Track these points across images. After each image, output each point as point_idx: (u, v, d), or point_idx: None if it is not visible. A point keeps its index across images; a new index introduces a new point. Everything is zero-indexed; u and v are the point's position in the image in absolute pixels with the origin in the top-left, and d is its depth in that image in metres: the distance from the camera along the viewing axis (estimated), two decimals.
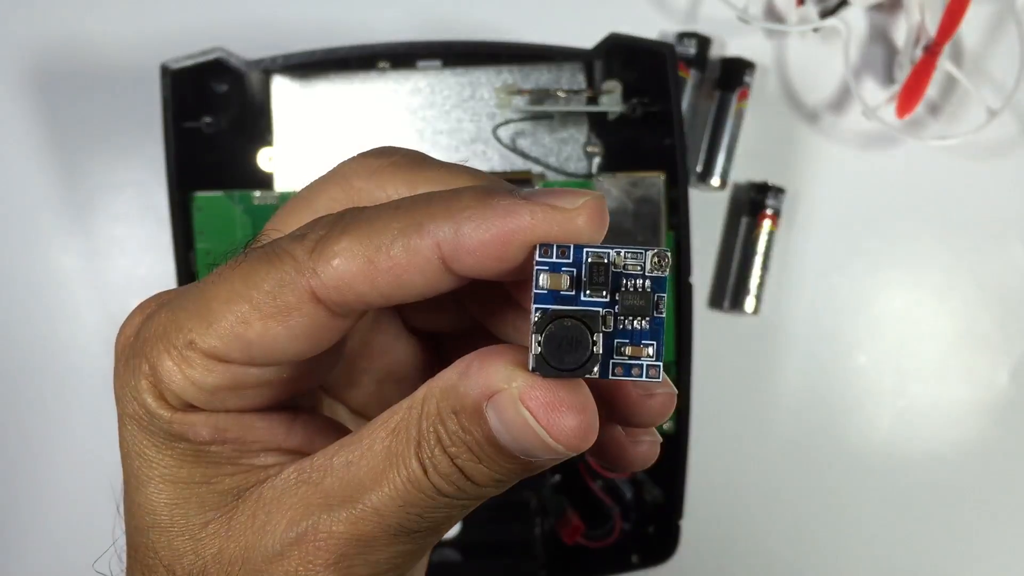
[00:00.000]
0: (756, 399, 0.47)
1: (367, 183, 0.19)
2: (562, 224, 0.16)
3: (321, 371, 0.20)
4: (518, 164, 0.43)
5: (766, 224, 0.46)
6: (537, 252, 0.16)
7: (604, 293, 0.16)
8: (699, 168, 0.45)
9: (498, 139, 0.42)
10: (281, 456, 0.19)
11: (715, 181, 0.45)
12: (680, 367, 0.40)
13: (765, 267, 0.46)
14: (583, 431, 0.16)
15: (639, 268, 0.16)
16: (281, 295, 0.17)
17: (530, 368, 0.16)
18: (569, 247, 0.16)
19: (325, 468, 0.18)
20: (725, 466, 0.45)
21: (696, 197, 0.45)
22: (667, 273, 0.16)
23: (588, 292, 0.16)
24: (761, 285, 0.46)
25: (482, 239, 0.17)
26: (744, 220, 0.45)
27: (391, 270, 0.17)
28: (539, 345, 0.16)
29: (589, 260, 0.16)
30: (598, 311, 0.16)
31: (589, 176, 0.42)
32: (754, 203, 0.46)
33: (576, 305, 0.16)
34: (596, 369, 0.16)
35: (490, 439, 0.17)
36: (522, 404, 0.16)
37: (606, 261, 0.16)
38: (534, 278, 0.16)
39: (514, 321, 0.20)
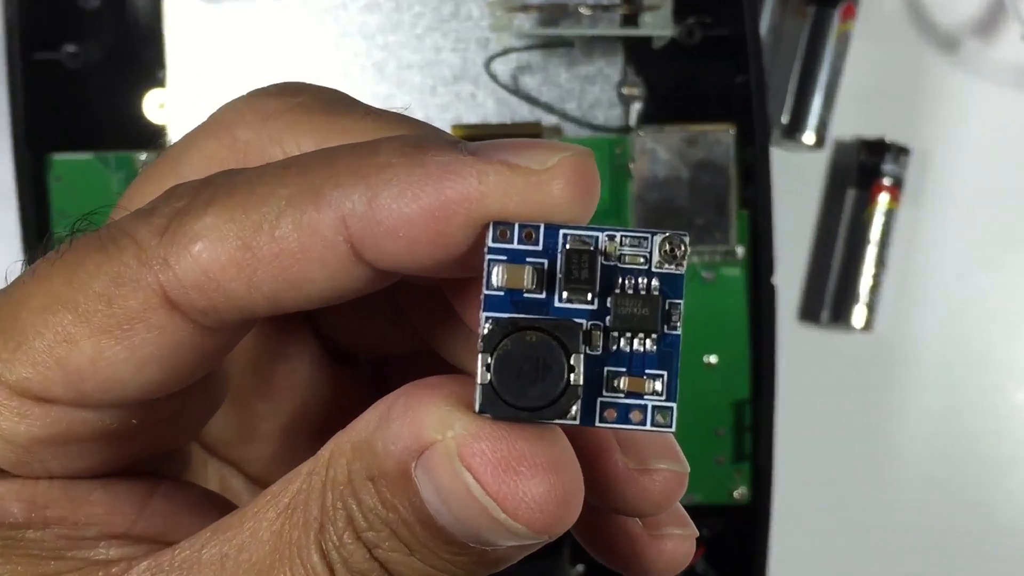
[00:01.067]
0: (868, 452, 0.46)
1: (258, 135, 0.20)
2: (527, 192, 0.16)
3: (192, 417, 0.20)
4: (522, 112, 0.42)
5: (882, 200, 0.45)
6: (490, 234, 0.16)
7: (590, 296, 0.16)
8: (785, 118, 0.45)
9: (493, 76, 0.42)
10: (130, 546, 0.19)
11: (808, 137, 0.45)
12: (758, 407, 0.40)
13: (881, 263, 0.45)
14: (555, 503, 0.16)
15: (643, 261, 0.16)
16: (119, 298, 0.17)
17: (476, 407, 0.16)
18: (538, 227, 0.16)
19: (190, 565, 0.18)
20: (822, 547, 0.45)
21: (781, 160, 0.43)
22: (684, 269, 0.16)
23: (565, 294, 0.16)
24: (875, 289, 0.45)
25: (407, 214, 0.16)
26: (851, 194, 0.45)
27: (276, 259, 0.17)
28: (488, 371, 0.16)
29: (568, 246, 0.16)
30: (579, 322, 0.16)
31: (626, 130, 0.41)
32: (865, 169, 0.45)
33: (546, 313, 0.16)
34: (575, 409, 0.16)
35: (423, 518, 0.17)
36: (461, 462, 0.16)
37: (593, 248, 0.16)
38: (484, 272, 0.16)
39: (467, 341, 0.20)
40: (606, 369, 0.17)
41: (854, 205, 0.45)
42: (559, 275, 0.16)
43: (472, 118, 0.42)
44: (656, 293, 0.16)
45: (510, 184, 0.16)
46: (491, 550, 0.17)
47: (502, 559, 0.17)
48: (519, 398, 0.16)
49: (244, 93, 0.20)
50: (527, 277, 0.16)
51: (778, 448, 0.40)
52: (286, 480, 0.18)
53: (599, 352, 0.17)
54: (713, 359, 0.41)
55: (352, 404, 0.21)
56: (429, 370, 0.18)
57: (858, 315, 0.45)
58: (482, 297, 0.17)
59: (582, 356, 0.16)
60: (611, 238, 0.16)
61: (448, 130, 0.42)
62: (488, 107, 0.42)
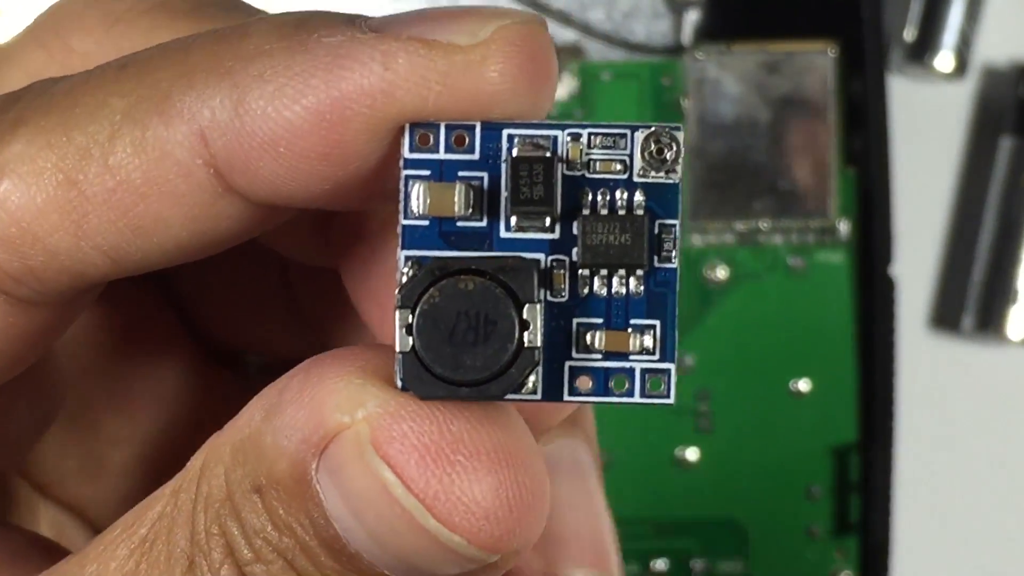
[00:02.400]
0: None
1: (101, 45, 0.20)
2: (453, 79, 0.17)
3: (12, 431, 0.21)
4: None
5: None
6: (406, 141, 0.17)
7: (548, 221, 0.17)
8: (910, 34, 0.44)
9: None
10: None
11: (943, 61, 0.44)
12: (870, 455, 0.40)
13: None
14: (508, 508, 0.17)
15: (620, 168, 0.17)
16: None
17: (397, 382, 0.17)
18: (472, 127, 0.17)
19: None
20: None
21: (905, 95, 0.44)
22: (678, 177, 0.17)
23: (514, 220, 0.17)
24: None
25: (288, 119, 0.17)
26: (1007, 144, 0.44)
27: (113, 196, 0.18)
28: (410, 334, 0.17)
29: (515, 152, 0.17)
30: (534, 258, 0.17)
31: (677, 51, 0.41)
32: None
33: (489, 248, 0.17)
34: (533, 380, 0.17)
35: (328, 540, 0.17)
36: (376, 452, 0.17)
37: (550, 154, 0.17)
38: (401, 195, 0.17)
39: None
40: (575, 322, 0.17)
41: (1011, 160, 0.44)
42: (504, 193, 0.17)
43: None
44: (640, 212, 0.17)
45: (428, 69, 0.17)
46: None
47: None
48: (454, 369, 0.17)
49: None
50: (459, 199, 0.17)
51: (899, 516, 0.40)
52: (144, 506, 0.18)
53: (564, 298, 0.17)
54: (804, 385, 0.40)
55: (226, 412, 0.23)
56: None
57: (1017, 321, 0.44)
58: (399, 229, 0.17)
59: (539, 306, 0.17)
60: (575, 138, 0.17)
61: None
62: None
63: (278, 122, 0.17)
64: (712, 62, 0.40)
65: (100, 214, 0.18)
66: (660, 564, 0.41)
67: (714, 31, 0.41)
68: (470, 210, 0.17)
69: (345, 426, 0.17)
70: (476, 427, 0.17)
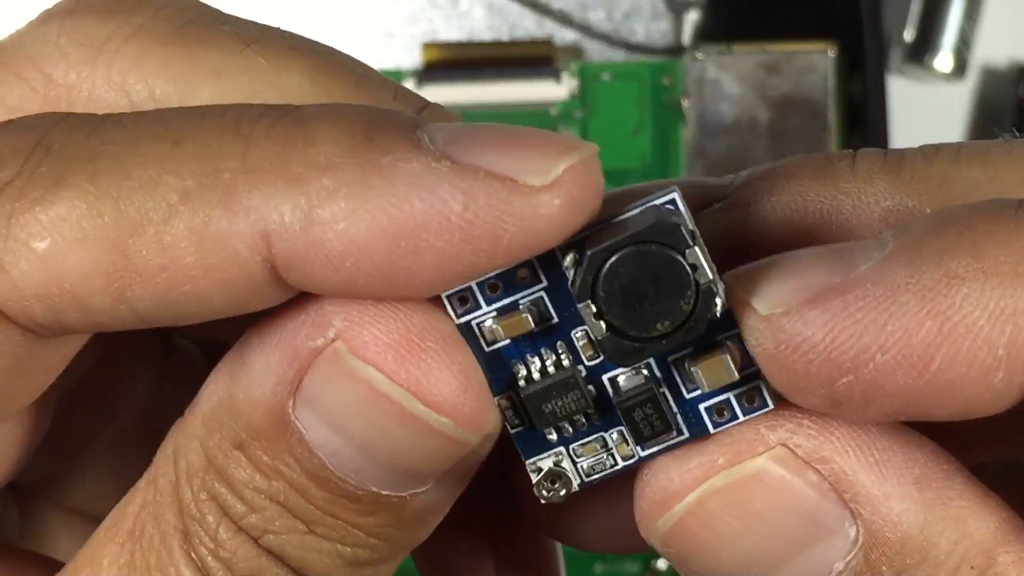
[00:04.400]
0: None
1: (85, 76, 0.20)
2: (526, 221, 0.17)
3: (13, 453, 0.21)
4: (526, 25, 0.41)
5: None
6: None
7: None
8: (910, 35, 0.44)
9: None
10: None
11: (943, 62, 0.44)
12: None
13: None
14: (479, 385, 0.18)
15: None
16: None
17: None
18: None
19: None
20: None
21: (904, 95, 0.44)
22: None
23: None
24: None
25: (358, 240, 0.17)
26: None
27: (162, 273, 0.18)
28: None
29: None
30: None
31: (677, 51, 0.41)
32: None
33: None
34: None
35: (316, 471, 0.18)
36: (358, 359, 0.18)
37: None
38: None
39: None
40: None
41: None
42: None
43: (453, 33, 0.42)
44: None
45: (506, 212, 0.17)
46: (409, 497, 0.18)
47: (423, 512, 0.19)
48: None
49: (49, 10, 0.20)
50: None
51: None
52: (121, 505, 0.19)
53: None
54: None
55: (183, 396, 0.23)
56: None
57: None
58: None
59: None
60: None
61: (418, 50, 0.41)
62: (476, 17, 0.42)
63: (352, 241, 0.17)
64: (712, 62, 0.40)
65: (146, 286, 0.18)
66: (661, 564, 0.42)
67: (714, 31, 0.41)
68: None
69: (319, 350, 0.18)
70: (435, 318, 0.18)
